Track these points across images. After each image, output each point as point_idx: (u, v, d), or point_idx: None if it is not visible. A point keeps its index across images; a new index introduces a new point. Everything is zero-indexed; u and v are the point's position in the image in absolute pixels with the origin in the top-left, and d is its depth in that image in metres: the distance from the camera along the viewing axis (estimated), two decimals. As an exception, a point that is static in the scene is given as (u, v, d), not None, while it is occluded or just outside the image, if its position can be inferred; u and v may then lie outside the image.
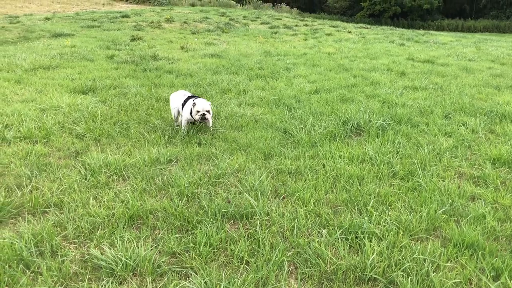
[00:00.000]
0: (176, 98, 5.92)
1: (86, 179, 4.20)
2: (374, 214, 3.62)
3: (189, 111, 5.46)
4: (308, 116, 6.27)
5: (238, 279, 2.80)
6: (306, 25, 24.74)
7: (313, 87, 8.18)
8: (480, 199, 3.99)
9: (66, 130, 5.51)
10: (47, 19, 20.21)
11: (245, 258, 3.06)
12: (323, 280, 2.91)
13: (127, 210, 3.61)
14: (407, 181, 4.33)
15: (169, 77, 8.83)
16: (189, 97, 5.70)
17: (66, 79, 8.34)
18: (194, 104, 5.39)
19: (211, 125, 5.71)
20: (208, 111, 5.42)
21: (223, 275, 2.86)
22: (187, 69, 9.81)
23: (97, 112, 6.16)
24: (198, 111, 5.37)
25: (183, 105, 5.63)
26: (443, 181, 4.33)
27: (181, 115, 5.67)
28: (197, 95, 5.97)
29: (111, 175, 4.31)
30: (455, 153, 5.05)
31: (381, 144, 5.25)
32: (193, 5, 33.17)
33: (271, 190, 4.10)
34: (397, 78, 9.51)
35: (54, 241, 3.15)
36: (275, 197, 4.01)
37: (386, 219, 3.57)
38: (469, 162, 4.85)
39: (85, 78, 8.46)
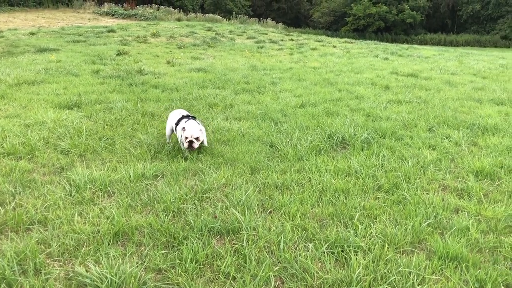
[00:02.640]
0: (173, 116, 5.72)
1: (71, 195, 4.16)
2: (360, 228, 3.64)
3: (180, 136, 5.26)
4: (294, 130, 6.31)
5: (225, 295, 2.79)
6: (292, 39, 24.99)
7: (299, 101, 8.24)
8: (464, 211, 4.05)
9: (51, 145, 5.46)
10: (32, 34, 20.10)
11: (231, 274, 3.06)
12: (310, 294, 2.91)
13: (112, 226, 3.59)
14: (392, 194, 4.37)
15: (155, 92, 8.83)
16: (183, 117, 5.47)
17: (51, 94, 8.29)
18: (183, 129, 5.13)
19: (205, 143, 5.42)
20: (197, 138, 5.11)
21: (210, 291, 2.85)
22: (173, 83, 9.82)
23: (82, 128, 6.13)
24: (186, 137, 5.09)
25: (176, 124, 5.44)
26: (427, 194, 4.39)
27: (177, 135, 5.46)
28: (193, 116, 5.70)
29: (96, 191, 4.28)
30: (439, 166, 5.12)
31: (366, 157, 5.30)
32: (179, 19, 33.30)
33: (257, 204, 4.11)
34: (381, 92, 9.63)
35: (37, 259, 3.11)
36: (261, 212, 4.01)
37: (371, 232, 3.60)
38: (452, 174, 4.92)
39: (71, 93, 8.41)
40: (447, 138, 6.18)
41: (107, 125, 6.43)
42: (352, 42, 26.39)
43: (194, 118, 5.51)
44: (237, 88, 9.56)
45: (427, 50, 23.05)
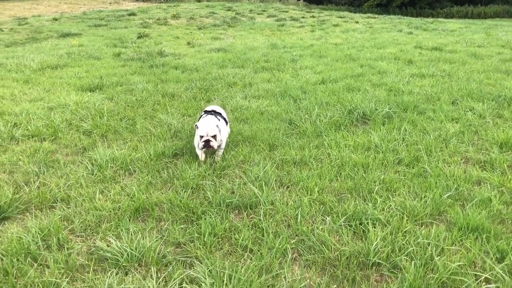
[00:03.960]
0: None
1: (93, 174, 4.25)
2: (379, 201, 3.61)
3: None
4: (313, 106, 6.26)
5: (242, 267, 2.82)
6: (313, 16, 24.61)
7: (319, 78, 8.15)
8: (486, 183, 3.96)
9: (73, 127, 5.57)
10: (55, 19, 20.39)
11: (249, 247, 3.09)
12: (327, 266, 2.92)
13: (132, 203, 3.65)
14: (413, 168, 4.31)
15: (175, 73, 8.87)
16: (206, 112, 4.83)
17: (73, 77, 8.42)
18: (196, 127, 4.44)
19: (220, 155, 4.62)
20: (214, 136, 4.37)
21: (227, 263, 2.88)
22: (193, 64, 9.83)
23: (104, 109, 6.22)
24: (201, 136, 4.37)
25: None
26: (449, 166, 4.31)
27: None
28: (220, 109, 5.02)
29: (117, 169, 4.36)
30: (461, 139, 5.01)
31: (387, 131, 5.22)
32: (199, 0, 33.16)
33: (275, 180, 4.11)
34: (405, 67, 9.43)
35: (61, 234, 3.20)
36: (279, 187, 4.02)
37: (390, 205, 3.57)
38: (476, 147, 4.81)
39: (92, 76, 8.53)
40: (471, 110, 6.03)
41: (128, 106, 6.51)
42: (375, 17, 25.83)
43: (220, 114, 4.87)
44: (256, 66, 9.51)
45: (453, 23, 22.37)
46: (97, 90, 7.49)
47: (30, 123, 5.58)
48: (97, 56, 10.89)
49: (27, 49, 12.30)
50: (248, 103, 6.56)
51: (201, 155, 4.54)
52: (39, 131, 5.32)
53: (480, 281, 2.72)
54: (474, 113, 5.90)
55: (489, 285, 2.67)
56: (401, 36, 15.44)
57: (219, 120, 4.61)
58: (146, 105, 6.56)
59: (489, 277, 2.75)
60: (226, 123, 4.86)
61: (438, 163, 4.36)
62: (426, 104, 6.42)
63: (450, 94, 6.88)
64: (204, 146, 4.37)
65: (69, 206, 3.65)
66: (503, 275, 2.71)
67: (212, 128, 4.37)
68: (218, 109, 5.01)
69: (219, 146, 4.52)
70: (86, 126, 5.54)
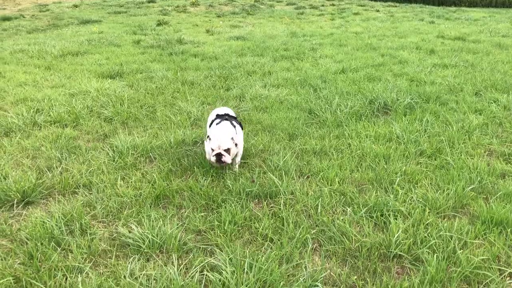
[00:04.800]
0: (210, 118, 4.37)
1: (114, 160, 4.29)
2: (400, 192, 3.57)
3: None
4: (334, 96, 6.20)
5: (262, 256, 2.83)
6: (333, 4, 24.31)
7: (339, 67, 8.06)
8: (511, 176, 3.88)
9: (94, 113, 5.62)
10: (75, 6, 20.53)
11: (269, 236, 3.09)
12: (347, 257, 2.90)
13: (153, 190, 3.68)
14: (435, 159, 4.25)
15: (194, 60, 8.86)
16: (218, 116, 4.20)
17: (94, 64, 8.49)
18: (208, 138, 3.85)
19: (237, 164, 4.10)
20: (227, 150, 3.75)
21: (248, 251, 2.89)
22: (212, 52, 9.81)
23: (124, 96, 6.26)
24: (212, 149, 3.77)
25: (210, 126, 4.22)
26: (472, 158, 4.23)
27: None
28: (234, 115, 4.51)
29: (138, 156, 4.39)
30: (485, 131, 4.91)
31: (409, 122, 5.15)
32: (218, -12, 32.94)
33: (295, 169, 4.10)
34: (426, 56, 9.27)
35: (83, 220, 3.25)
36: (299, 177, 4.01)
37: (412, 197, 3.53)
38: (500, 139, 4.71)
39: (113, 63, 8.58)
40: (495, 102, 5.90)
41: (148, 93, 6.54)
42: (396, 6, 25.38)
43: (234, 118, 4.32)
44: (276, 55, 9.44)
45: (477, 12, 21.85)
46: (117, 77, 7.54)
47: (52, 109, 5.64)
48: (117, 43, 10.94)
49: (48, 35, 12.41)
50: (268, 92, 6.52)
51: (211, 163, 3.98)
52: (61, 117, 5.38)
53: (505, 276, 2.68)
54: (499, 104, 5.78)
55: (513, 280, 2.63)
56: (423, 25, 15.15)
57: (235, 126, 3.99)
58: (166, 92, 6.58)
59: (513, 272, 2.71)
60: (242, 128, 4.28)
61: (461, 155, 4.29)
62: (448, 95, 6.30)
63: (474, 85, 6.74)
64: (216, 161, 3.78)
65: (91, 192, 3.70)
66: (528, 270, 2.67)
67: (225, 140, 3.73)
68: (229, 111, 4.47)
69: (236, 155, 4.00)
70: (107, 113, 5.59)
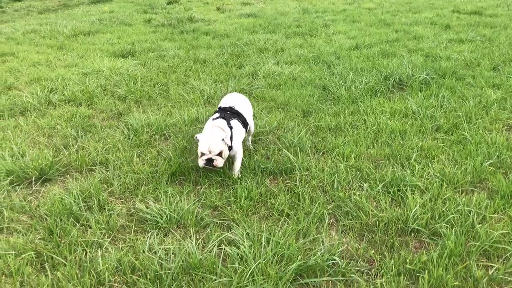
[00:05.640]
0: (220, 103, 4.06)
1: (129, 138, 4.30)
2: (417, 168, 3.54)
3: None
4: (348, 72, 6.12)
5: (279, 231, 2.83)
6: (345, -20, 23.80)
7: (353, 43, 7.94)
8: (530, 151, 3.82)
9: (108, 92, 5.63)
10: (85, -14, 20.40)
11: (285, 211, 3.09)
12: (364, 231, 2.90)
13: (169, 167, 3.69)
14: (451, 135, 4.19)
15: (206, 39, 8.80)
16: (219, 110, 3.80)
17: (106, 43, 8.47)
18: (196, 139, 3.46)
19: (237, 168, 3.63)
20: (220, 153, 3.38)
21: (264, 226, 2.90)
22: (223, 30, 9.72)
23: (137, 75, 6.25)
24: (202, 153, 3.39)
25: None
26: (490, 133, 4.17)
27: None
28: (241, 101, 4.00)
29: (153, 134, 4.40)
30: (503, 105, 4.82)
31: (424, 98, 5.07)
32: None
33: (310, 146, 4.08)
34: (442, 32, 9.07)
35: (101, 196, 3.28)
36: (314, 153, 3.99)
37: (429, 172, 3.49)
38: (518, 114, 4.63)
39: (124, 42, 8.56)
40: (513, 76, 5.77)
41: (160, 72, 6.52)
42: (410, -19, 24.77)
43: (237, 114, 3.79)
44: (288, 32, 9.32)
45: (494, -14, 21.24)
46: (129, 56, 7.52)
47: (66, 88, 5.66)
48: (128, 22, 10.89)
49: (59, 15, 12.40)
50: (281, 69, 6.46)
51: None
52: (75, 96, 5.40)
53: (524, 249, 2.66)
54: (517, 79, 5.66)
55: (533, 254, 2.61)
56: (438, 0, 14.80)
57: (231, 128, 3.58)
58: (178, 71, 6.55)
59: (533, 246, 2.68)
60: (245, 125, 3.79)
61: (479, 130, 4.23)
62: (465, 70, 6.18)
63: (491, 59, 6.60)
64: (206, 165, 3.42)
65: (107, 169, 3.73)
66: (549, 244, 2.64)
67: (216, 143, 3.35)
68: (239, 100, 4.01)
69: (234, 159, 3.65)
70: (120, 91, 5.59)
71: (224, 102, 3.97)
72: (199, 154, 3.40)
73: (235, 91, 5.46)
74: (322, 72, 6.28)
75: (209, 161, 3.37)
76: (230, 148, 3.52)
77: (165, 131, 4.46)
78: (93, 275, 2.51)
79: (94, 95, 5.47)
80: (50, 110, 5.07)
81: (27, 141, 4.27)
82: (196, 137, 3.43)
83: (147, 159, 3.87)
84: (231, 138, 3.51)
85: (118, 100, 5.40)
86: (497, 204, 3.05)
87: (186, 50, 7.82)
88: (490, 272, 2.50)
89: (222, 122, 3.58)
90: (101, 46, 8.20)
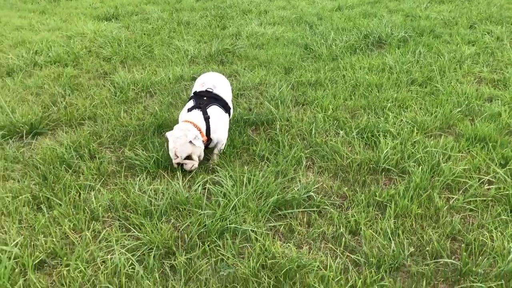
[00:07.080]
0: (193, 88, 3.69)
1: (116, 95, 4.44)
2: (390, 116, 3.75)
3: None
4: (329, 32, 6.24)
5: (260, 172, 3.04)
6: None
7: (335, 5, 8.02)
8: (498, 99, 4.05)
9: (93, 53, 5.71)
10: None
11: (265, 156, 3.29)
12: (339, 171, 3.12)
13: (156, 120, 3.85)
14: (425, 87, 4.40)
15: (189, 1, 8.79)
16: (194, 96, 3.42)
17: (88, 8, 8.45)
18: (166, 138, 3.18)
19: (217, 153, 3.34)
20: (188, 157, 3.05)
21: (246, 169, 3.10)
22: (207, -7, 9.69)
23: (121, 37, 6.31)
24: (175, 154, 3.03)
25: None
26: (461, 85, 4.38)
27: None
28: (219, 83, 3.63)
29: (139, 91, 4.54)
30: (476, 60, 5.03)
31: (402, 54, 5.25)
32: None
33: (291, 99, 4.26)
34: (423, -8, 9.16)
35: (91, 146, 3.44)
36: (294, 106, 4.17)
37: (401, 119, 3.71)
38: (490, 67, 4.84)
39: (107, 6, 8.53)
40: (488, 33, 5.96)
41: (144, 34, 6.58)
42: None
43: (215, 98, 3.38)
44: (271, -6, 9.33)
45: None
46: (113, 20, 7.54)
47: (51, 50, 5.73)
48: (110, -14, 10.77)
49: (39, -19, 12.19)
50: (264, 30, 6.57)
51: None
52: (60, 58, 5.48)
53: (483, 182, 2.91)
54: (492, 36, 5.85)
55: (491, 186, 2.86)
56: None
57: (208, 119, 3.19)
58: (162, 33, 6.62)
59: (491, 179, 2.93)
60: (227, 110, 3.44)
61: (451, 83, 4.44)
62: (443, 28, 6.35)
63: (469, 18, 6.76)
64: (178, 164, 3.12)
65: (96, 124, 3.88)
66: (505, 177, 2.89)
67: (182, 147, 2.98)
68: (217, 81, 3.62)
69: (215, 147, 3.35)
70: (105, 52, 5.67)
71: (200, 83, 3.57)
72: (171, 153, 3.07)
73: (219, 51, 5.60)
74: (304, 32, 6.40)
75: (180, 165, 3.11)
76: (209, 140, 3.22)
77: (150, 89, 4.60)
78: (87, 212, 2.71)
79: (79, 56, 5.55)
80: (37, 70, 5.16)
81: (16, 99, 4.37)
82: (166, 135, 3.11)
83: (134, 114, 4.02)
84: (207, 130, 3.17)
85: (103, 60, 5.49)
86: (462, 145, 3.29)
87: (170, 12, 7.85)
88: (451, 202, 2.74)
89: (197, 114, 3.18)
90: (83, 10, 8.19)
